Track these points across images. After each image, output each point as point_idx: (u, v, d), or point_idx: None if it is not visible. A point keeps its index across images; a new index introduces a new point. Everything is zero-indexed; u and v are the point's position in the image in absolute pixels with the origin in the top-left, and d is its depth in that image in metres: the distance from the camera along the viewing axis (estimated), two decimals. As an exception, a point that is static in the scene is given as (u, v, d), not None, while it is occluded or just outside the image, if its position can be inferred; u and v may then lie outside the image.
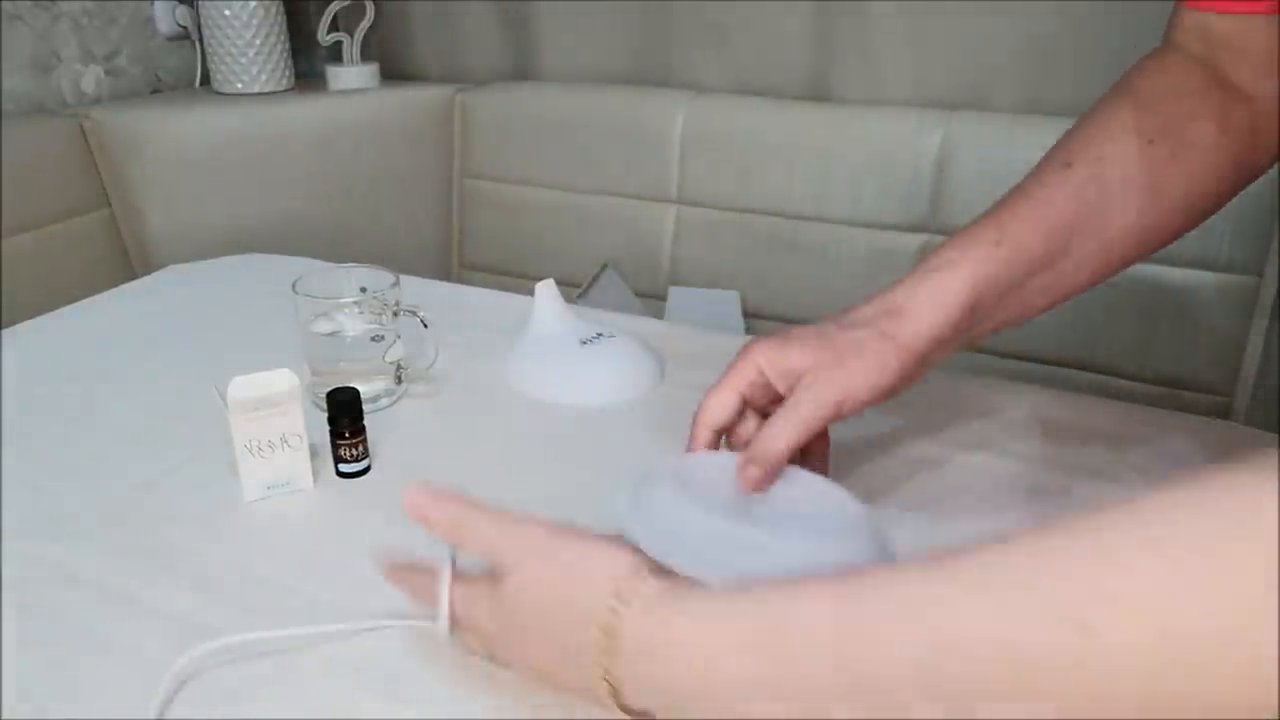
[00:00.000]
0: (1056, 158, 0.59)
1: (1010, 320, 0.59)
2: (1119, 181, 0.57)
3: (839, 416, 0.55)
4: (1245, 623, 0.27)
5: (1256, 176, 0.59)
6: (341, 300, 0.77)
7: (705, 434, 0.58)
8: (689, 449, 0.58)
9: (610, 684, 0.39)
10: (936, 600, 0.33)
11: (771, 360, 0.57)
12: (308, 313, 0.75)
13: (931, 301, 0.56)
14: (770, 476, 0.54)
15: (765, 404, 0.58)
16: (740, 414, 0.58)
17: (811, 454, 0.59)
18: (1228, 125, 0.57)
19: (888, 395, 0.55)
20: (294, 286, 0.74)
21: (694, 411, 0.58)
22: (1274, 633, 0.26)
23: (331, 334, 0.75)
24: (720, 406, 0.57)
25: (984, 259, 0.56)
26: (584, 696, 0.41)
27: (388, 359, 0.75)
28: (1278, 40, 0.55)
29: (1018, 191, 0.59)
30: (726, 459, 0.56)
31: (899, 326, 0.56)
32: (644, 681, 0.39)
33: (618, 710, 0.40)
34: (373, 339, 0.75)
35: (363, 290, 0.78)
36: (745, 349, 0.59)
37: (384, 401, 0.77)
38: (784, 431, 0.54)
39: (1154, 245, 0.59)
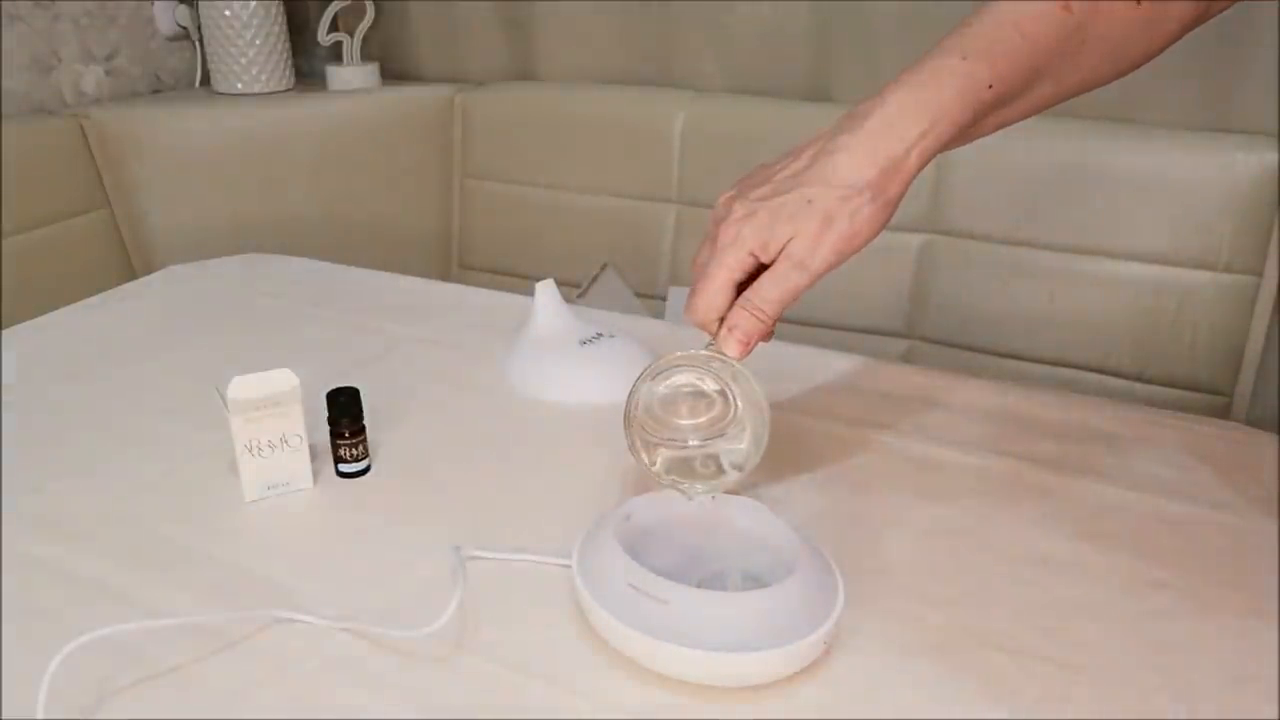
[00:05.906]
0: None
1: (953, 147, 0.58)
2: (1099, 36, 0.57)
3: (822, 276, 0.54)
4: None
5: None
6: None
7: (708, 330, 0.56)
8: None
9: None
10: None
11: (763, 243, 0.54)
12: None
13: (924, 155, 0.55)
14: (754, 343, 0.54)
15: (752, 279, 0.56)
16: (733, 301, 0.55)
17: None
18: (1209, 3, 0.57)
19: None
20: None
21: (686, 308, 0.55)
22: None
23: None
24: (717, 307, 0.55)
25: (974, 100, 0.56)
26: None
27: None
28: None
29: (1009, 23, 0.56)
30: (675, 498, 0.56)
31: (892, 182, 0.54)
32: None
33: None
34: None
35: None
36: (727, 231, 0.55)
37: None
38: (772, 295, 0.53)
39: (1080, 92, 0.60)
